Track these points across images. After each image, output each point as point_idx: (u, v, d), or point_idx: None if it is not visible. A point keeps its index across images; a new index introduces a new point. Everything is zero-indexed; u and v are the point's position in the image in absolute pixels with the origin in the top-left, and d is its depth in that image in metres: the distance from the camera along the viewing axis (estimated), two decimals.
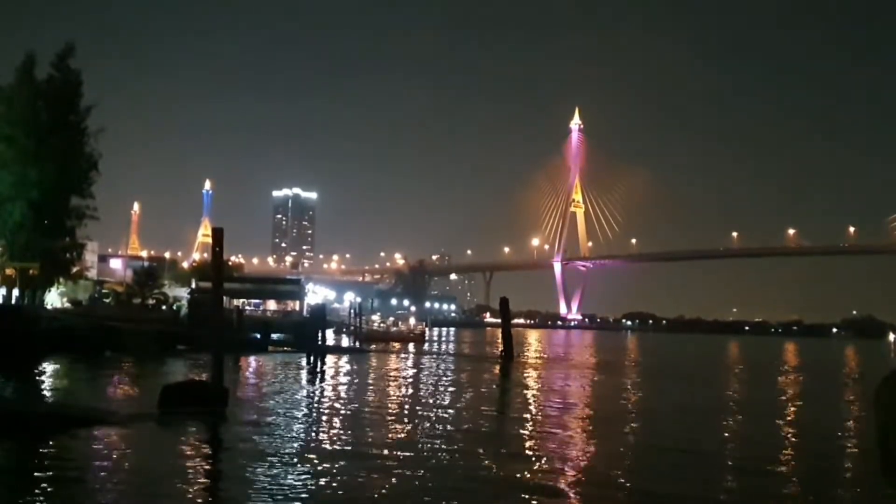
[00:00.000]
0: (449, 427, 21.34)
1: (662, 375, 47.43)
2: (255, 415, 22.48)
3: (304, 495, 12.84)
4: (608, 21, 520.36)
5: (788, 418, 27.65)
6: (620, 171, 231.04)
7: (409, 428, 20.75)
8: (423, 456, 16.49)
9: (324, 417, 23.26)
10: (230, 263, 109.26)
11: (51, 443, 16.60)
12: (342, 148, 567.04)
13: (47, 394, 26.86)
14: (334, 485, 13.68)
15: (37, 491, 12.63)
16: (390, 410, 24.91)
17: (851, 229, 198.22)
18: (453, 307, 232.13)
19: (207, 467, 15.62)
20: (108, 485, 13.15)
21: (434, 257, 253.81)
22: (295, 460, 15.71)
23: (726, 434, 22.52)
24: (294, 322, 65.29)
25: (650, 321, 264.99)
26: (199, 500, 12.85)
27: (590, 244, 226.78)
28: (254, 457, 15.75)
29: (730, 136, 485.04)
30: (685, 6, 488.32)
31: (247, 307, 74.35)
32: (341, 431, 20.08)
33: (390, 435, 19.40)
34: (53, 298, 58.54)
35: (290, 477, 14.06)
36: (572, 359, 63.90)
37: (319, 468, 14.96)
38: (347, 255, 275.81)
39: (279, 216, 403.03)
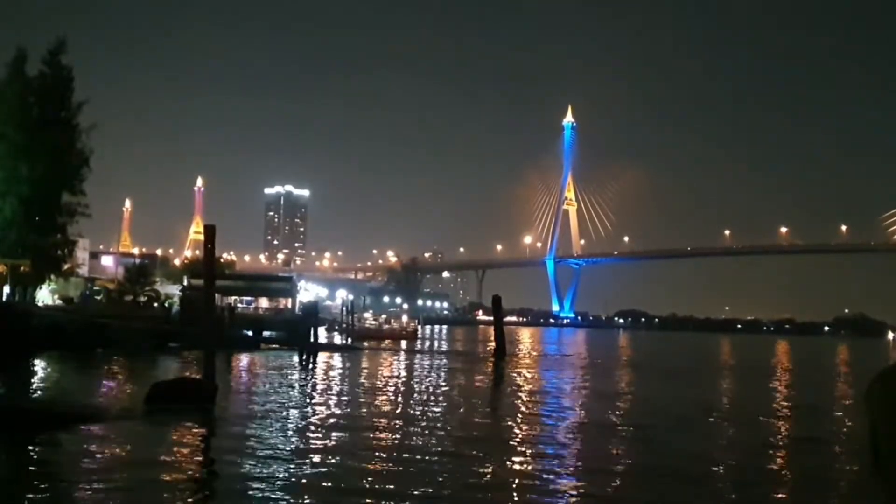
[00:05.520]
0: (439, 425, 21.27)
1: (653, 374, 47.46)
2: (244, 412, 22.42)
3: (288, 493, 12.76)
4: (604, 19, 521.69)
5: (782, 417, 27.66)
6: (613, 170, 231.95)
7: (399, 426, 20.67)
8: (412, 454, 16.42)
9: (313, 415, 23.16)
10: (222, 261, 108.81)
11: (39, 440, 16.51)
12: (334, 145, 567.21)
13: (37, 391, 26.74)
14: (321, 482, 13.61)
15: (24, 488, 12.56)
16: (381, 409, 24.83)
17: (843, 228, 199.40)
18: (446, 305, 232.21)
19: (192, 464, 15.55)
20: (93, 482, 13.03)
21: (426, 255, 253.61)
22: (281, 457, 15.63)
23: (718, 434, 22.53)
24: (286, 319, 65.08)
25: (642, 319, 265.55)
26: (183, 497, 12.76)
27: (582, 242, 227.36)
28: (239, 453, 15.69)
29: (722, 134, 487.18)
30: (681, 4, 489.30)
31: (238, 304, 74.13)
32: (331, 429, 19.99)
33: (380, 433, 19.33)
34: (44, 295, 58.26)
35: (274, 474, 13.98)
36: (564, 357, 63.97)
37: (306, 465, 14.91)
38: (339, 253, 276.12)
39: (271, 213, 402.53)
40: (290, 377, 35.47)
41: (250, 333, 56.80)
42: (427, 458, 16.03)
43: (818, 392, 38.35)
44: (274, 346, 56.10)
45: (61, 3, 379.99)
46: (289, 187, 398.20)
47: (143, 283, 68.94)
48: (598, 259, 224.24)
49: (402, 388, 32.13)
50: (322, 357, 47.41)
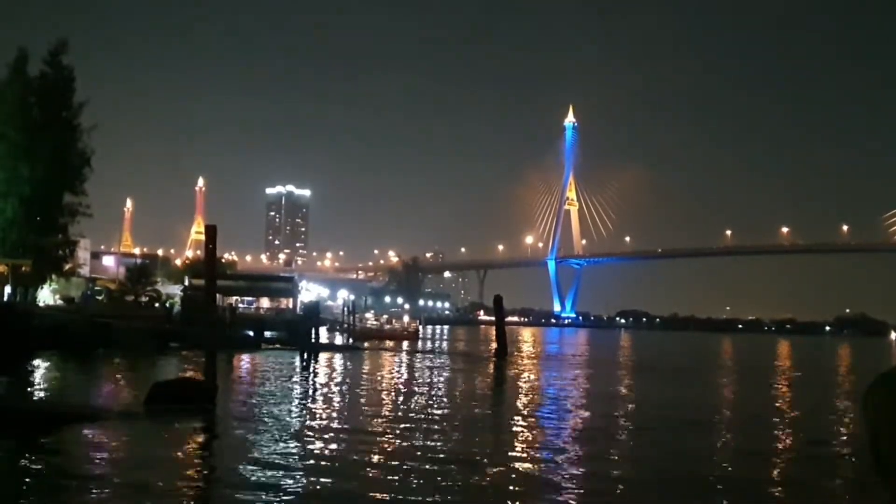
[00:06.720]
0: (441, 426, 21.24)
1: (654, 374, 47.40)
2: (245, 412, 22.39)
3: (289, 494, 12.73)
4: (604, 19, 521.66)
5: (783, 418, 27.61)
6: (614, 169, 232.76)
7: (399, 427, 20.64)
8: (413, 455, 16.38)
9: (314, 415, 23.14)
10: (223, 261, 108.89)
11: (39, 440, 16.48)
12: (336, 145, 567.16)
13: (38, 391, 26.74)
14: (322, 483, 13.57)
15: (23, 488, 12.56)
16: (382, 409, 24.84)
17: (845, 227, 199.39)
18: (447, 305, 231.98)
19: (192, 465, 15.54)
20: (93, 483, 13.02)
21: (428, 255, 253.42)
22: (282, 458, 15.60)
23: (718, 434, 22.49)
24: (287, 320, 65.03)
25: (644, 319, 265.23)
26: (183, 498, 12.74)
27: (584, 242, 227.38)
28: (240, 454, 15.67)
29: (724, 134, 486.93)
30: (681, 4, 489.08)
31: (240, 305, 74.18)
32: (332, 429, 19.97)
33: (381, 434, 19.29)
34: (46, 295, 58.28)
35: (275, 475, 13.94)
36: (565, 357, 63.93)
37: (307, 466, 14.88)
38: (341, 253, 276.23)
39: (272, 213, 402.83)
40: (291, 377, 35.46)
41: (251, 333, 56.75)
42: (428, 459, 15.98)
43: (819, 393, 38.25)
44: (275, 346, 56.07)
45: (61, 3, 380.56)
46: (290, 187, 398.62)
47: (145, 283, 69.07)
48: (600, 259, 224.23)
49: (403, 389, 32.10)
50: (323, 357, 47.40)
